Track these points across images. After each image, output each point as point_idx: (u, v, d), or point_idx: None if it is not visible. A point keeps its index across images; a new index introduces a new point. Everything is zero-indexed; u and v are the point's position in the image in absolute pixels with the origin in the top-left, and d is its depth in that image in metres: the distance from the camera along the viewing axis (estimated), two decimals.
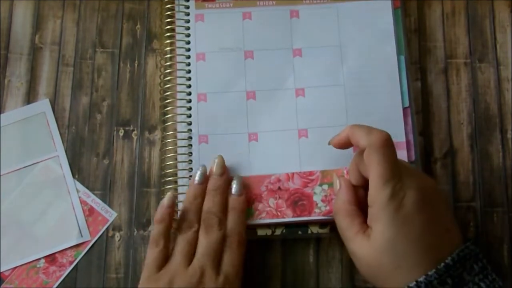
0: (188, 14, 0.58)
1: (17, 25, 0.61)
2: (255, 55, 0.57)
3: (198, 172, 0.53)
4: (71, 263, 0.55)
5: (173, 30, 0.57)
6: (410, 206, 0.45)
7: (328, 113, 0.56)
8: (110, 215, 0.56)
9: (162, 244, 0.50)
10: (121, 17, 0.61)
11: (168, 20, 0.58)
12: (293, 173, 0.54)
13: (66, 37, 0.61)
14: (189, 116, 0.55)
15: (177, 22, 0.58)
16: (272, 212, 0.53)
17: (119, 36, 0.61)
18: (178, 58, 0.57)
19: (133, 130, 0.58)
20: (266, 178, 0.54)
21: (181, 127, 0.55)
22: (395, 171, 0.45)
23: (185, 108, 0.56)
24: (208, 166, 0.54)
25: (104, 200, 0.57)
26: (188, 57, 0.57)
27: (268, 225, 0.54)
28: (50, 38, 0.61)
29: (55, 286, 0.55)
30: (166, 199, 0.52)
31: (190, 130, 0.55)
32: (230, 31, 0.58)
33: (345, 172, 0.53)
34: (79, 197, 0.57)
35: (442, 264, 0.43)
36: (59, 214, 0.56)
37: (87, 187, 0.57)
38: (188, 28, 0.58)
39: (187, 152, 0.55)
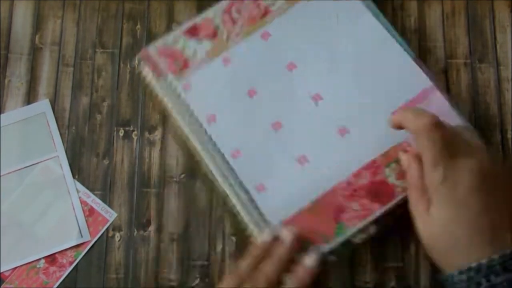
0: (176, 89, 0.56)
1: (17, 25, 0.61)
2: (258, 90, 0.56)
3: (267, 232, 0.51)
4: (71, 263, 0.55)
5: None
6: (464, 190, 0.45)
7: (351, 99, 0.55)
8: (110, 215, 0.56)
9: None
10: (121, 17, 0.61)
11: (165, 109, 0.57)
12: (357, 171, 0.53)
13: (66, 37, 0.61)
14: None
15: (174, 109, 0.56)
16: (360, 214, 0.52)
17: (119, 36, 0.61)
18: (191, 130, 0.55)
19: (133, 131, 0.58)
20: (337, 190, 0.52)
21: None
22: (444, 155, 0.46)
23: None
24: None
25: (104, 200, 0.57)
26: (201, 125, 0.55)
27: (361, 230, 0.52)
28: (50, 38, 0.61)
29: (55, 286, 0.55)
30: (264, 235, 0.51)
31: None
32: (222, 84, 0.56)
33: (405, 145, 0.53)
34: (79, 198, 0.57)
35: (508, 250, 0.43)
36: (59, 214, 0.56)
37: (87, 187, 0.57)
38: (185, 103, 0.56)
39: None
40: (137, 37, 0.61)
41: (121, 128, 0.58)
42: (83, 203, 0.57)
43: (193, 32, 0.57)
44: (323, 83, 0.56)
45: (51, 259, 0.55)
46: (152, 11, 0.61)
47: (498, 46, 0.60)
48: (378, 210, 0.51)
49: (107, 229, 0.56)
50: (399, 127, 0.50)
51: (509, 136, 0.58)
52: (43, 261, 0.55)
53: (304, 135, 0.55)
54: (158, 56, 0.57)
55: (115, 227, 0.56)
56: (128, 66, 0.60)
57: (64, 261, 0.55)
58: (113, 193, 0.57)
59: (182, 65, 0.56)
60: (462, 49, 0.60)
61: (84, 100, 0.59)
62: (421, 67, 0.56)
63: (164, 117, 0.58)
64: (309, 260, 0.49)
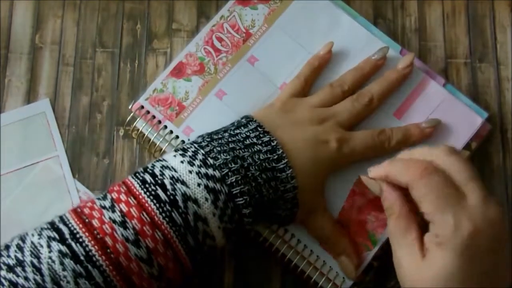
0: (177, 137, 0.55)
1: (17, 25, 0.61)
2: None
3: (380, 51, 0.55)
4: None
5: None
6: (481, 247, 0.40)
7: None
8: None
9: (303, 78, 0.54)
10: (121, 17, 0.61)
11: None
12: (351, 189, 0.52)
13: (66, 37, 0.61)
14: None
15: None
16: (379, 224, 0.51)
17: (119, 36, 0.61)
18: None
19: (133, 130, 0.58)
20: (348, 205, 0.52)
21: None
22: (449, 199, 0.41)
23: None
24: None
25: None
26: None
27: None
28: (50, 38, 0.61)
29: None
30: (322, 47, 0.55)
31: None
32: (222, 119, 0.53)
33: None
34: (79, 197, 0.57)
35: None
36: (59, 213, 0.56)
37: (87, 187, 0.57)
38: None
39: None
40: (137, 37, 0.61)
41: (121, 128, 0.58)
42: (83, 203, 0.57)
43: (179, 71, 0.56)
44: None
45: None
46: (152, 11, 0.61)
47: (498, 46, 0.60)
48: None
49: None
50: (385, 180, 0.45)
51: (509, 136, 0.58)
52: None
53: None
54: (151, 106, 0.55)
55: None
56: (128, 65, 0.60)
57: None
58: None
59: (177, 110, 0.55)
60: (462, 49, 0.60)
61: (84, 100, 0.59)
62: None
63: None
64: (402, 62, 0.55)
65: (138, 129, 0.56)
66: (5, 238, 0.55)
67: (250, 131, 0.48)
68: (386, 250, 0.50)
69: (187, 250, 0.44)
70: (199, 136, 0.49)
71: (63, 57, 0.60)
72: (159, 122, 0.55)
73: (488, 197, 0.41)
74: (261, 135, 0.47)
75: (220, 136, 0.47)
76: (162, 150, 0.55)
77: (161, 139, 0.55)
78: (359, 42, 0.57)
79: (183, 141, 0.54)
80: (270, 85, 0.56)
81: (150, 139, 0.56)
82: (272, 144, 0.47)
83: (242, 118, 0.50)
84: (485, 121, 0.55)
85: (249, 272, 0.54)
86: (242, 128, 0.48)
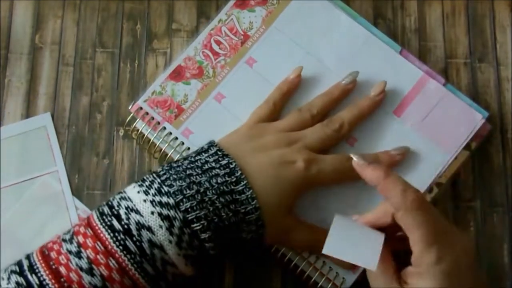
0: (177, 138, 0.55)
1: (17, 25, 0.61)
2: None
3: (350, 76, 0.54)
4: None
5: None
6: (458, 270, 0.42)
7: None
8: None
9: (272, 103, 0.53)
10: (121, 17, 0.61)
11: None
12: None
13: (66, 37, 0.61)
14: None
15: (173, 155, 0.55)
16: None
17: (119, 36, 0.61)
18: None
19: (133, 130, 0.58)
20: None
21: None
22: (438, 233, 0.42)
23: None
24: None
25: (104, 200, 0.56)
26: None
27: None
28: (50, 38, 0.61)
29: None
30: (292, 72, 0.54)
31: None
32: (222, 121, 0.55)
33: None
34: (78, 215, 0.56)
35: None
36: (57, 230, 0.55)
37: (87, 187, 0.57)
38: (188, 149, 0.55)
39: None
40: (137, 37, 0.61)
41: (121, 128, 0.58)
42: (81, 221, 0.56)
43: (178, 74, 0.56)
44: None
45: None
46: (152, 11, 0.61)
47: (498, 46, 0.60)
48: None
49: None
50: (383, 217, 0.45)
51: (509, 136, 0.58)
52: None
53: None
54: (150, 108, 0.56)
55: None
56: (128, 65, 0.60)
57: None
58: (113, 192, 0.57)
59: (176, 112, 0.55)
60: (462, 49, 0.60)
61: (84, 100, 0.59)
62: (407, 58, 0.56)
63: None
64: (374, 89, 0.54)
65: (138, 130, 0.56)
66: (3, 254, 0.54)
67: (210, 156, 0.48)
68: None
69: (146, 278, 0.44)
70: (160, 165, 0.49)
71: (63, 57, 0.60)
72: (158, 123, 0.55)
73: (458, 231, 0.44)
74: (219, 159, 0.47)
75: (179, 164, 0.48)
76: (162, 151, 0.55)
77: (160, 140, 0.55)
78: (358, 42, 0.57)
79: (182, 143, 0.54)
80: (269, 86, 0.56)
81: (150, 140, 0.56)
82: (231, 166, 0.47)
83: (206, 144, 0.50)
84: (485, 120, 0.55)
85: (249, 272, 0.54)
86: (203, 154, 0.48)
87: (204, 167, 0.47)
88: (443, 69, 0.59)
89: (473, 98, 0.58)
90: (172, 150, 0.54)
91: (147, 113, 0.56)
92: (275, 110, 0.54)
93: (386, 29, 0.60)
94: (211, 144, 0.49)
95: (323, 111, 0.53)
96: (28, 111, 0.59)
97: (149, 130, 0.55)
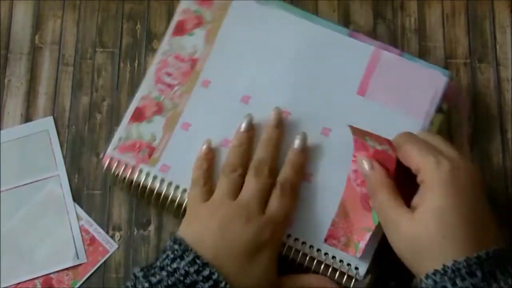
0: (156, 177, 0.54)
1: (17, 25, 0.61)
2: (229, 136, 0.54)
3: (245, 121, 0.53)
4: None
5: None
6: (463, 181, 0.45)
7: (317, 100, 0.56)
8: (111, 246, 0.55)
9: (202, 182, 0.52)
10: (121, 17, 0.61)
11: None
12: (353, 156, 0.53)
13: (66, 37, 0.61)
14: None
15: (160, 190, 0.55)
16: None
17: (119, 36, 0.61)
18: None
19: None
20: (350, 181, 0.52)
21: None
22: (430, 149, 0.46)
23: None
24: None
25: (104, 200, 0.56)
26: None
27: None
28: (50, 38, 0.61)
29: None
30: (203, 147, 0.53)
31: None
32: (195, 148, 0.54)
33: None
34: (82, 225, 0.56)
35: (475, 255, 0.43)
36: (56, 235, 0.56)
37: (86, 187, 0.57)
38: (170, 183, 0.54)
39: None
40: (137, 37, 0.61)
41: None
42: (84, 231, 0.56)
43: (139, 115, 0.56)
44: (283, 98, 0.55)
45: (47, 285, 0.54)
46: (152, 11, 0.61)
47: (498, 47, 0.60)
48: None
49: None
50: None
51: (509, 136, 0.58)
52: (39, 287, 0.54)
53: None
54: (121, 154, 0.55)
55: (114, 227, 0.56)
56: (128, 66, 0.60)
57: None
58: (113, 192, 0.57)
59: (149, 152, 0.55)
60: (462, 49, 0.60)
61: (84, 100, 0.59)
62: (357, 38, 0.57)
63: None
64: (297, 144, 0.53)
65: (118, 175, 0.55)
66: (4, 259, 0.54)
67: (189, 265, 0.46)
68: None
69: None
70: (134, 278, 0.47)
71: (63, 57, 0.60)
72: (134, 167, 0.54)
73: (466, 156, 0.48)
74: (200, 269, 0.46)
75: (158, 278, 0.46)
76: (148, 189, 0.54)
77: (142, 182, 0.54)
78: (304, 36, 0.57)
79: (163, 179, 0.54)
80: (231, 101, 0.55)
81: (132, 182, 0.54)
82: (213, 277, 0.46)
83: (174, 243, 0.48)
84: (449, 80, 0.55)
85: None
86: (179, 260, 0.47)
87: (186, 281, 0.46)
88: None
89: (473, 98, 0.58)
90: (157, 187, 0.54)
91: (119, 161, 0.54)
92: (209, 188, 0.52)
93: (386, 29, 0.60)
94: (185, 248, 0.47)
95: (245, 165, 0.52)
96: (28, 111, 0.59)
97: (127, 175, 0.54)
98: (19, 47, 0.61)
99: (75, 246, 0.55)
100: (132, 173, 0.54)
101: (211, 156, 0.53)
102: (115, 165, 0.54)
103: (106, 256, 0.55)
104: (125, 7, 0.62)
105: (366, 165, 0.50)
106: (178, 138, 0.55)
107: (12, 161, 0.57)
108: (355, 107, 0.55)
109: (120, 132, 0.55)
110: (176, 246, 0.48)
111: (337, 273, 0.51)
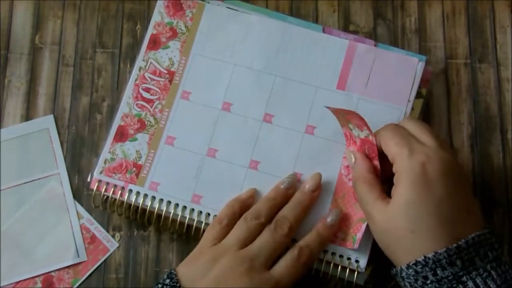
0: (146, 195, 0.54)
1: (17, 25, 0.61)
2: (215, 146, 0.55)
3: (289, 178, 0.53)
4: None
5: None
6: (433, 174, 0.45)
7: (299, 99, 0.56)
8: (111, 245, 0.56)
9: (225, 223, 0.51)
10: (121, 17, 0.61)
11: None
12: (340, 173, 0.54)
13: (66, 37, 0.61)
14: None
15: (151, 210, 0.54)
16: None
17: (119, 36, 0.61)
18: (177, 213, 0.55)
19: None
20: (342, 178, 0.53)
21: None
22: (409, 139, 0.47)
23: None
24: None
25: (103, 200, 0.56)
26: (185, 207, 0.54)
27: None
28: (50, 38, 0.61)
29: None
30: (245, 192, 0.53)
31: None
32: (182, 161, 0.55)
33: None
34: (82, 224, 0.56)
35: (454, 245, 0.43)
36: (57, 233, 0.56)
37: (86, 187, 0.57)
38: (162, 200, 0.54)
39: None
40: (137, 37, 0.61)
41: None
42: (85, 229, 0.56)
43: (122, 135, 0.55)
44: (264, 101, 0.56)
45: (48, 283, 0.54)
46: (152, 11, 0.61)
47: (498, 47, 0.60)
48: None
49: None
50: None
51: (509, 136, 0.58)
52: (39, 285, 0.54)
53: (285, 154, 0.54)
54: (108, 177, 0.54)
55: (115, 227, 0.56)
56: (128, 66, 0.60)
57: (61, 286, 0.54)
58: None
59: (136, 171, 0.54)
60: (462, 49, 0.60)
61: (84, 100, 0.59)
62: (331, 34, 0.57)
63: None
64: (330, 219, 0.52)
65: (107, 197, 0.54)
66: (3, 257, 0.54)
67: None
68: None
69: None
70: None
71: (63, 57, 0.60)
72: (123, 188, 0.54)
73: (443, 145, 0.47)
74: None
75: None
76: (139, 209, 0.54)
77: (130, 201, 0.54)
78: (278, 36, 0.57)
79: (154, 197, 0.54)
80: (212, 111, 0.55)
81: (123, 204, 0.55)
82: None
83: (167, 277, 0.48)
84: (425, 64, 0.55)
85: None
86: None
87: None
88: (443, 70, 0.59)
89: (473, 98, 0.58)
90: (149, 206, 0.54)
91: (108, 183, 0.54)
92: (228, 231, 0.51)
93: (386, 29, 0.60)
94: (174, 285, 0.47)
95: (270, 217, 0.51)
96: (28, 112, 0.59)
97: (117, 197, 0.54)
98: (19, 47, 0.61)
99: (75, 244, 0.55)
100: (122, 195, 0.54)
101: (249, 202, 0.53)
102: (103, 188, 0.54)
103: (107, 255, 0.55)
104: (125, 7, 0.62)
105: (351, 158, 0.51)
106: (164, 154, 0.55)
107: (12, 160, 0.57)
108: (336, 102, 0.55)
109: (104, 154, 0.55)
110: (167, 281, 0.48)
111: (339, 269, 0.51)
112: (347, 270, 0.52)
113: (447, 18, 0.61)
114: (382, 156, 0.49)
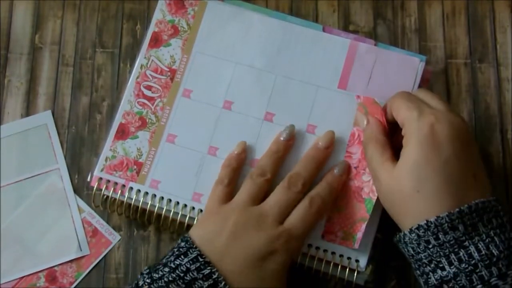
0: (147, 193, 0.54)
1: (17, 25, 0.61)
2: (216, 145, 0.55)
3: (287, 130, 0.53)
4: (71, 283, 0.55)
5: None
6: (441, 135, 0.45)
7: (300, 99, 0.56)
8: (114, 237, 0.56)
9: (227, 182, 0.51)
10: (121, 17, 0.61)
11: None
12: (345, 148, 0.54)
13: (66, 37, 0.61)
14: None
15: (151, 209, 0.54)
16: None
17: (119, 36, 0.61)
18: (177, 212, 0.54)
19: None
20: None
21: None
22: (419, 104, 0.47)
23: None
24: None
25: (104, 200, 0.56)
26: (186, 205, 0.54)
27: None
28: (50, 38, 0.61)
29: None
30: (235, 147, 0.53)
31: None
32: (184, 159, 0.55)
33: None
34: (84, 217, 0.56)
35: (457, 209, 0.43)
36: (59, 227, 0.56)
37: (86, 187, 0.57)
38: (162, 198, 0.54)
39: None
40: (137, 37, 0.61)
41: None
42: (87, 223, 0.56)
43: (123, 132, 0.55)
44: (265, 99, 0.56)
45: (51, 277, 0.55)
46: (152, 11, 0.61)
47: (498, 46, 0.60)
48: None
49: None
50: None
51: (509, 136, 0.58)
52: (43, 279, 0.55)
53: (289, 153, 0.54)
54: (109, 174, 0.54)
55: (115, 227, 0.56)
56: (128, 66, 0.60)
57: (65, 281, 0.55)
58: None
59: (137, 169, 0.54)
60: (462, 49, 0.60)
61: (84, 100, 0.59)
62: (332, 33, 0.57)
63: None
64: (337, 169, 0.52)
65: (107, 197, 0.54)
66: (3, 251, 0.54)
67: (191, 262, 0.47)
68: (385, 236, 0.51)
69: None
70: (140, 276, 0.48)
71: (62, 57, 0.60)
72: (124, 186, 0.54)
73: (452, 110, 0.48)
74: (201, 267, 0.46)
75: (160, 274, 0.46)
76: (139, 208, 0.54)
77: (133, 201, 0.54)
78: (279, 35, 0.57)
79: (154, 195, 0.54)
80: (213, 109, 0.55)
81: (123, 203, 0.54)
82: (213, 276, 0.46)
83: (182, 241, 0.48)
84: (425, 64, 0.55)
85: None
86: (182, 257, 0.47)
87: (186, 278, 0.46)
88: (443, 70, 0.59)
89: (473, 98, 0.57)
90: (149, 204, 0.54)
91: (108, 181, 0.54)
92: (231, 190, 0.52)
93: (386, 29, 0.60)
94: (190, 246, 0.48)
95: (275, 172, 0.52)
96: (28, 111, 0.59)
97: (118, 195, 0.54)
98: (19, 47, 0.61)
99: (77, 238, 0.56)
100: (122, 193, 0.54)
101: (243, 156, 0.53)
102: (104, 186, 0.54)
103: (109, 247, 0.56)
104: (125, 7, 0.62)
105: (362, 121, 0.52)
106: (165, 152, 0.55)
107: (12, 156, 0.57)
108: (338, 102, 0.55)
109: (105, 152, 0.55)
110: (182, 244, 0.48)
111: (339, 268, 0.51)
112: (347, 269, 0.52)
113: (447, 18, 0.61)
114: (392, 129, 0.50)
